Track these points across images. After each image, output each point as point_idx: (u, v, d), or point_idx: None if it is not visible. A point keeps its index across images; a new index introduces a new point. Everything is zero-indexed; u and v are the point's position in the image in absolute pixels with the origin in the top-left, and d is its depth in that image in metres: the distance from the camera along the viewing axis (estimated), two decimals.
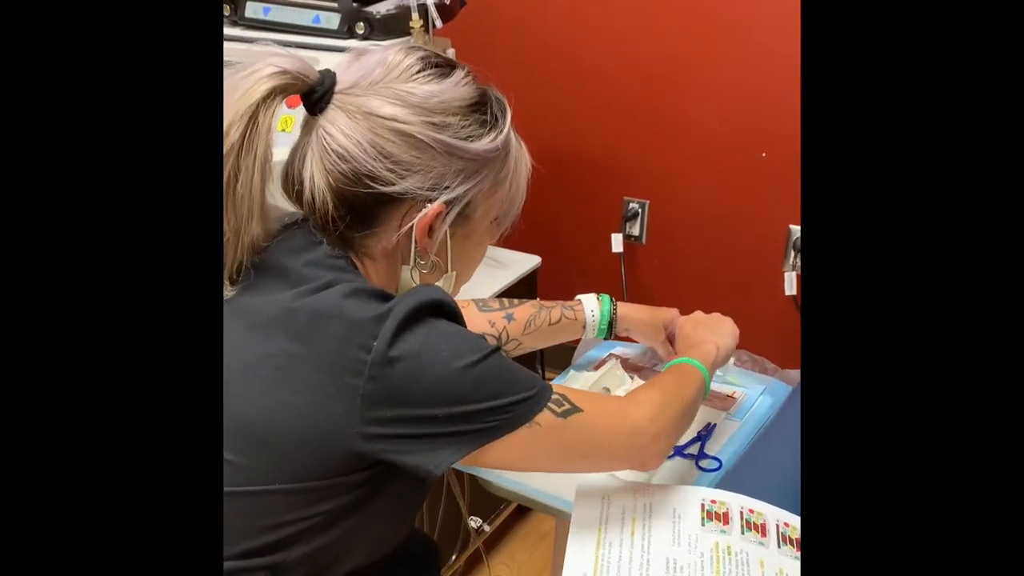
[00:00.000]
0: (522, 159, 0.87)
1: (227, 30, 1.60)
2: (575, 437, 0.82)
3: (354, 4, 1.51)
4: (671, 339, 1.22)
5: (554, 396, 0.81)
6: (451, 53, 1.60)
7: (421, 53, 0.82)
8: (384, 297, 0.76)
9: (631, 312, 1.20)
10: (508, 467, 0.83)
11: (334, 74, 0.81)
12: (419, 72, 0.80)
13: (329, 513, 0.76)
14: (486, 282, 1.58)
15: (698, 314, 1.17)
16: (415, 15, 1.50)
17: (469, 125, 0.81)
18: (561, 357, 1.33)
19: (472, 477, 1.07)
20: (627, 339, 1.26)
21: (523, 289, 1.67)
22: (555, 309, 1.17)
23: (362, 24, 1.50)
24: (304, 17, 1.53)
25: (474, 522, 1.68)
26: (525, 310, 1.15)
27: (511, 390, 0.77)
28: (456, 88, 0.81)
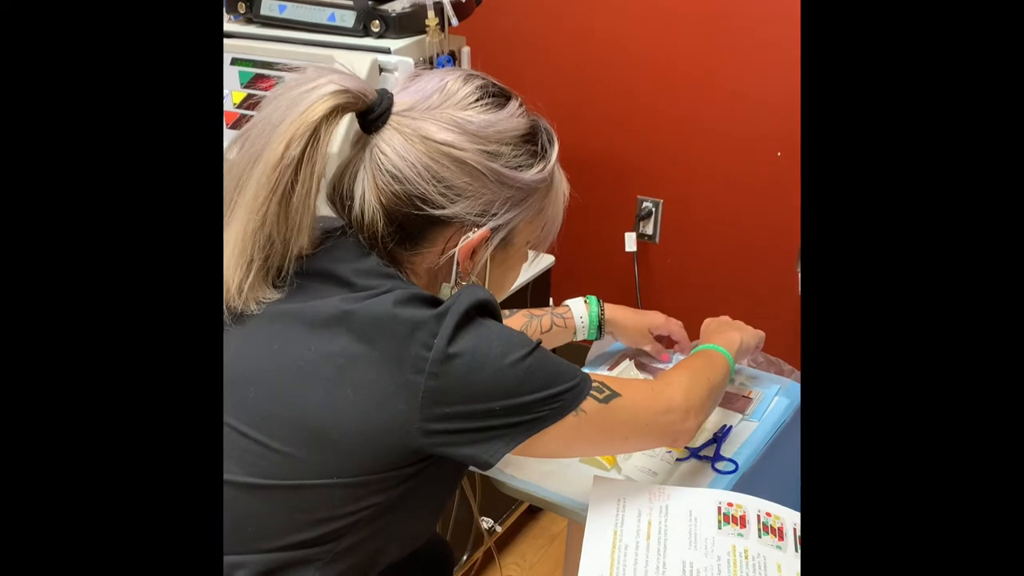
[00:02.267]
0: (562, 188, 0.90)
1: (243, 28, 1.60)
2: (616, 420, 0.86)
3: (369, 2, 1.50)
4: (661, 341, 1.26)
5: (594, 384, 0.84)
6: (466, 52, 1.60)
7: (479, 82, 0.84)
8: (436, 301, 0.79)
9: (618, 315, 1.23)
10: (554, 454, 0.86)
11: (391, 95, 0.82)
12: (476, 101, 0.82)
13: (378, 505, 0.79)
14: None
15: (725, 317, 1.21)
16: (431, 13, 1.49)
17: (520, 155, 0.83)
18: (575, 357, 1.32)
19: (484, 477, 1.07)
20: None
21: (538, 288, 1.67)
22: (545, 317, 1.19)
23: (377, 22, 1.49)
24: (319, 15, 1.53)
25: (485, 522, 1.68)
26: (516, 320, 1.17)
27: (558, 381, 0.80)
28: (511, 119, 0.83)
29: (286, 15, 1.56)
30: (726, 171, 1.94)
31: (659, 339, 1.26)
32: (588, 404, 0.82)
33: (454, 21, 1.51)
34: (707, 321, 1.19)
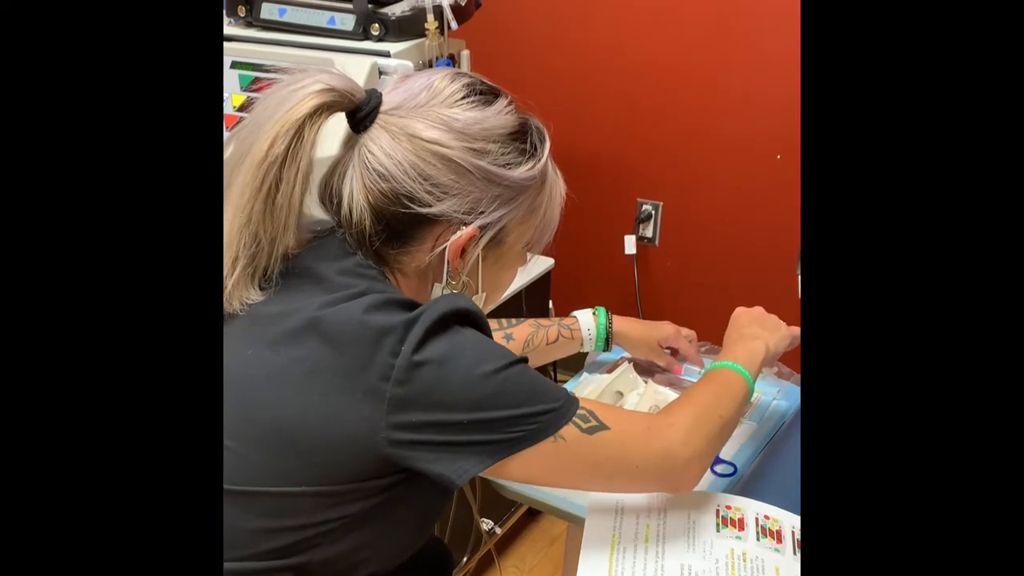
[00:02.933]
0: (557, 188, 0.88)
1: (242, 31, 1.60)
2: (601, 455, 0.81)
3: (369, 5, 1.50)
4: (672, 352, 1.23)
5: (580, 411, 0.80)
6: (465, 55, 1.60)
7: (467, 80, 0.84)
8: (414, 305, 0.77)
9: (626, 328, 1.21)
10: (532, 481, 0.82)
11: (380, 94, 0.82)
12: (463, 98, 0.82)
13: (354, 516, 0.77)
14: None
15: (758, 309, 1.11)
16: (430, 16, 1.49)
17: (508, 153, 0.82)
18: (574, 360, 1.32)
19: (484, 479, 1.07)
20: None
21: (537, 291, 1.67)
22: (552, 328, 1.18)
23: (377, 25, 1.49)
24: (319, 18, 1.53)
25: (485, 524, 1.68)
26: (523, 330, 1.16)
27: (535, 400, 0.77)
28: (498, 116, 0.82)
29: (286, 18, 1.56)
30: (726, 174, 1.94)
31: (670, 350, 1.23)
32: (568, 431, 0.78)
33: (453, 24, 1.51)
34: (737, 313, 1.10)
